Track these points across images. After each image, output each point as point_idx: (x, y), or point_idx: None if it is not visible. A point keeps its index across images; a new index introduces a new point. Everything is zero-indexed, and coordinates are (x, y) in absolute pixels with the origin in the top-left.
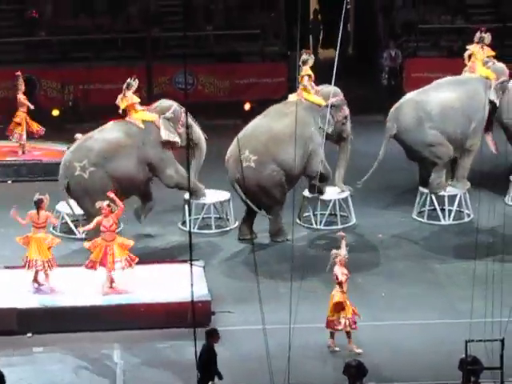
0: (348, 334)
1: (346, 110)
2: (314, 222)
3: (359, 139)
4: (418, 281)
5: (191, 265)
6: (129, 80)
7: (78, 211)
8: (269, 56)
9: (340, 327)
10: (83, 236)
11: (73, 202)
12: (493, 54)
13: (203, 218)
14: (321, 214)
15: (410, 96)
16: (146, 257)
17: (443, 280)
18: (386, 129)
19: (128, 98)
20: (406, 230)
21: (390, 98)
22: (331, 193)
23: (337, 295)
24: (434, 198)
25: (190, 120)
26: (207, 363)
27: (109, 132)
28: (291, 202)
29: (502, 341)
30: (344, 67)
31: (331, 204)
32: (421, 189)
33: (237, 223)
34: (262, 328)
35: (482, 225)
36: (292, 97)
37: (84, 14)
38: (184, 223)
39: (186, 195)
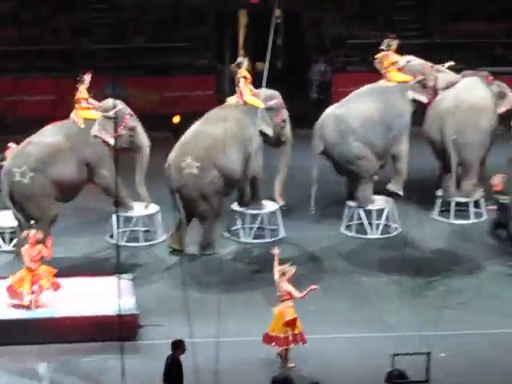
0: (287, 349)
1: (285, 114)
2: (242, 235)
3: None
4: (347, 294)
5: (119, 278)
6: (84, 75)
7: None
8: (198, 69)
9: (290, 344)
10: (10, 248)
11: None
12: (399, 59)
13: (131, 231)
14: (249, 227)
15: (330, 111)
16: (74, 270)
17: (371, 293)
18: (312, 147)
19: (80, 92)
20: (335, 243)
21: (319, 113)
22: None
23: (289, 312)
24: (361, 211)
25: (135, 123)
26: (173, 375)
27: (48, 136)
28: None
29: (428, 354)
30: (273, 80)
31: (259, 218)
32: (348, 202)
33: (165, 236)
34: (190, 341)
35: (410, 239)
36: (230, 100)
37: (12, 25)
38: (112, 236)
39: (112, 208)
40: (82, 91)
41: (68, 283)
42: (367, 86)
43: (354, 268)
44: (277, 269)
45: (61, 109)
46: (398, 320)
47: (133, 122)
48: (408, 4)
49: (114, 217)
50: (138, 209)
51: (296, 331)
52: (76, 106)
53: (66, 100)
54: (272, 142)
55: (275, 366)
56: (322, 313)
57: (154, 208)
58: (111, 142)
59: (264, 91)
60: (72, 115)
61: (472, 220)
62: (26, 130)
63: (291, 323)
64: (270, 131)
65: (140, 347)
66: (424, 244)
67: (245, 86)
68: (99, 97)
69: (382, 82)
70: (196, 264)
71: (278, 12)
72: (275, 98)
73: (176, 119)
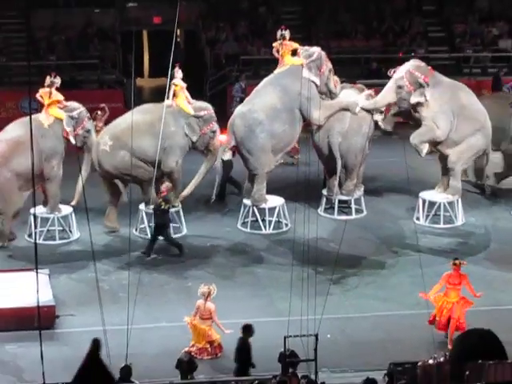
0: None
1: (215, 126)
2: (149, 233)
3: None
4: (243, 284)
5: (37, 273)
6: (50, 78)
7: None
8: (106, 83)
9: (213, 355)
10: None
11: None
12: (296, 46)
13: (48, 230)
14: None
15: (238, 110)
16: None
17: (265, 283)
18: (216, 138)
19: (53, 95)
20: (232, 238)
21: None
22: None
23: (213, 333)
24: (255, 209)
25: (91, 127)
26: (244, 355)
27: (8, 132)
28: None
29: (316, 336)
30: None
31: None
32: (244, 201)
33: (79, 234)
34: (103, 329)
35: (299, 233)
36: (167, 101)
37: None
38: (30, 235)
39: (31, 210)
40: (55, 93)
41: None
42: (264, 80)
43: (248, 260)
44: (202, 290)
45: None
46: (289, 306)
47: (89, 125)
48: (296, 24)
49: (31, 217)
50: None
51: (215, 344)
52: (47, 107)
53: None
54: (200, 150)
55: (179, 351)
56: (221, 301)
57: (68, 209)
58: (72, 140)
59: (198, 102)
60: (42, 113)
61: (354, 216)
62: None
63: (214, 341)
64: (194, 137)
65: (57, 335)
66: (312, 238)
67: (179, 93)
68: (16, 110)
69: (276, 71)
70: (106, 258)
71: (177, 31)
72: (207, 109)
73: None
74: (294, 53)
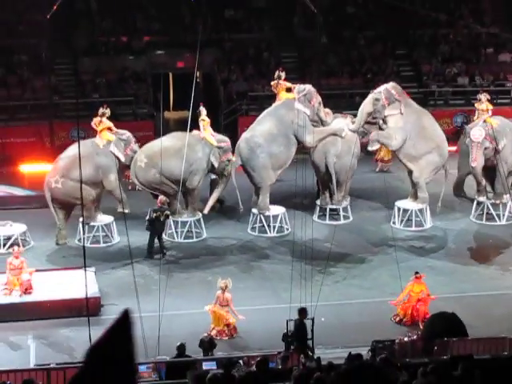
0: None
1: (231, 156)
2: (175, 237)
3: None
4: (253, 277)
5: (85, 270)
6: (102, 109)
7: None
8: (140, 116)
9: (226, 337)
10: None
11: None
12: (290, 85)
13: (94, 236)
14: (181, 230)
15: (243, 135)
16: (53, 265)
17: (270, 276)
18: (231, 163)
19: (104, 123)
20: (243, 240)
21: None
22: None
23: (231, 317)
24: (262, 216)
25: (137, 148)
26: (300, 335)
27: (69, 151)
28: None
29: (313, 319)
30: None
31: (188, 223)
32: (252, 210)
33: (119, 239)
34: (139, 315)
35: (297, 236)
36: (195, 132)
37: (1, 86)
38: (80, 240)
39: (80, 219)
40: (106, 122)
41: (49, 275)
42: (264, 112)
43: (256, 258)
44: (220, 284)
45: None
46: (290, 294)
47: (136, 147)
48: (293, 66)
49: (80, 225)
50: (99, 219)
51: (231, 327)
52: (100, 132)
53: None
54: (217, 173)
55: (202, 334)
56: (235, 291)
57: (109, 218)
58: (122, 158)
59: (219, 136)
60: (96, 137)
61: (342, 221)
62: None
63: (230, 324)
64: (216, 164)
65: (102, 321)
66: (308, 239)
67: (206, 127)
68: (67, 139)
69: (273, 104)
70: (141, 258)
71: (197, 73)
72: (226, 142)
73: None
74: (289, 90)
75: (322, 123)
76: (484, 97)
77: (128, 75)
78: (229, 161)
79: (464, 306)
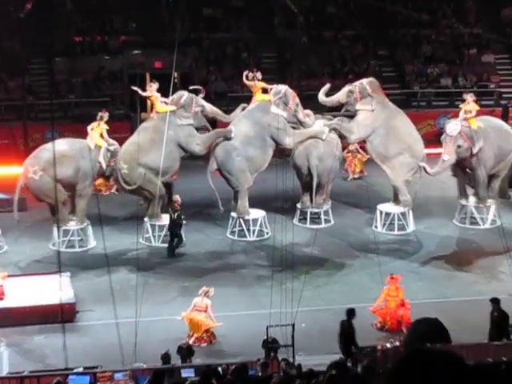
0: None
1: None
2: (152, 241)
3: (190, 179)
4: (232, 282)
5: (60, 275)
6: (101, 113)
7: None
8: (116, 117)
9: (205, 343)
10: None
11: None
12: (264, 85)
13: (69, 240)
14: (158, 234)
15: (217, 141)
16: (26, 270)
17: (250, 281)
18: (208, 167)
19: (102, 128)
20: (221, 246)
21: None
22: (166, 219)
23: (210, 322)
24: (241, 220)
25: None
26: (349, 336)
27: (57, 145)
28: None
29: (293, 325)
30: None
31: (165, 227)
32: (232, 213)
33: (95, 243)
34: (115, 322)
35: (277, 240)
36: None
37: None
38: (54, 244)
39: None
40: (103, 126)
41: (23, 280)
42: (239, 115)
43: (236, 263)
44: (202, 290)
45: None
46: (271, 300)
47: (200, 101)
48: (272, 67)
49: (55, 229)
50: (74, 223)
51: (210, 333)
52: (93, 134)
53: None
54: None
55: (179, 340)
56: (213, 297)
57: (85, 222)
58: (104, 167)
59: (110, 140)
60: (88, 138)
61: (323, 225)
62: None
63: (209, 330)
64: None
65: (77, 327)
66: (288, 244)
67: (96, 131)
68: (41, 141)
69: (249, 106)
70: (118, 263)
71: (175, 74)
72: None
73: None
74: (266, 90)
75: (302, 125)
76: (470, 97)
77: (104, 75)
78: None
79: (447, 311)
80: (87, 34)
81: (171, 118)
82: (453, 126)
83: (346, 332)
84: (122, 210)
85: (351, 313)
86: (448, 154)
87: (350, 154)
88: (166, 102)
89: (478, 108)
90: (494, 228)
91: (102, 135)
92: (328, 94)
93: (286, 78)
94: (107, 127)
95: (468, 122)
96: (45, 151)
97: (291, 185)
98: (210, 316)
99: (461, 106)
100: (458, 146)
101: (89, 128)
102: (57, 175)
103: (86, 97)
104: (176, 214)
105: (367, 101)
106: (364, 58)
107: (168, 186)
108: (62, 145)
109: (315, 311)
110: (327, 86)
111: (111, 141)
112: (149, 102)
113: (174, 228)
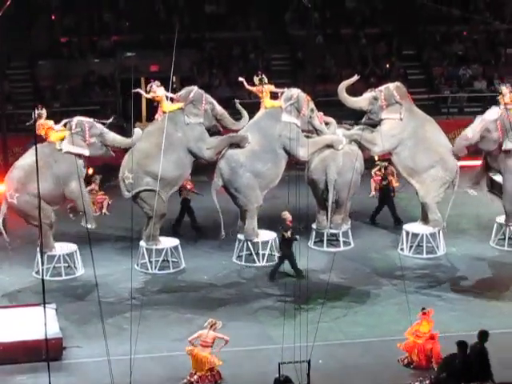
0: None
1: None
2: (149, 268)
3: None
4: (239, 314)
5: (44, 307)
6: (37, 111)
7: None
8: (107, 128)
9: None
10: None
11: None
12: (273, 89)
13: (54, 267)
14: (156, 260)
15: (223, 152)
16: (6, 302)
17: (259, 312)
18: (213, 184)
19: (44, 124)
20: (227, 271)
21: None
22: (164, 242)
23: (215, 360)
24: (249, 243)
25: (99, 127)
26: (482, 361)
27: (25, 159)
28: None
29: (309, 362)
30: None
31: (164, 251)
32: (238, 236)
33: (83, 271)
34: (107, 359)
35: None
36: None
37: None
38: (38, 272)
39: (38, 248)
40: (45, 123)
41: (2, 313)
42: (248, 123)
43: (243, 292)
44: (208, 322)
45: None
46: (283, 334)
47: (96, 129)
48: (286, 69)
49: (39, 255)
50: (60, 248)
51: (215, 371)
52: (47, 135)
53: None
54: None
55: (180, 379)
56: (220, 330)
57: (73, 247)
58: (86, 152)
59: None
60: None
61: (342, 248)
62: None
63: (214, 368)
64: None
65: (64, 366)
66: (303, 269)
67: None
68: (21, 154)
69: (256, 115)
70: (109, 294)
71: (174, 78)
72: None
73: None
74: (276, 95)
75: (317, 133)
76: (507, 88)
77: (94, 80)
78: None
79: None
80: (74, 34)
81: (179, 116)
82: (492, 111)
83: (480, 359)
84: (115, 232)
85: (484, 335)
86: (472, 131)
87: (380, 173)
88: (172, 99)
89: None
90: None
91: (52, 129)
92: (349, 92)
93: (298, 81)
94: (51, 122)
95: (509, 114)
96: (15, 170)
97: (306, 202)
98: (216, 353)
99: (499, 99)
100: (487, 131)
101: (38, 132)
102: (34, 192)
103: (72, 105)
104: (289, 232)
105: (394, 109)
106: (387, 60)
107: (186, 202)
108: (29, 157)
109: (333, 346)
110: (355, 77)
111: (64, 121)
112: (143, 111)
113: (285, 246)
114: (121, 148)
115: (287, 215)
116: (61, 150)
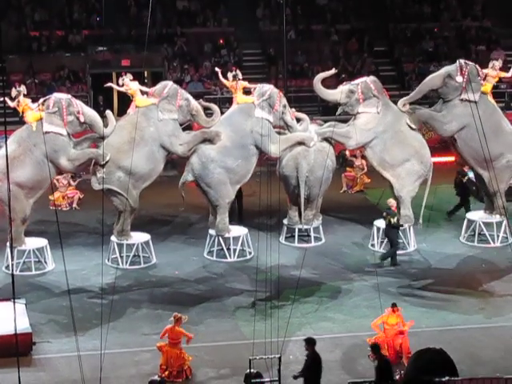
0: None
1: None
2: (120, 263)
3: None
4: (210, 310)
5: (14, 302)
6: (15, 90)
7: None
8: None
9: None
10: None
11: None
12: (246, 85)
13: (24, 262)
14: (127, 255)
15: (195, 148)
16: None
17: (230, 308)
18: (182, 178)
19: (21, 102)
20: (198, 267)
21: None
22: (135, 237)
23: (185, 356)
24: (220, 239)
25: (78, 105)
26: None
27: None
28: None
29: (279, 358)
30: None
31: (135, 247)
32: (209, 231)
33: (54, 265)
34: (77, 354)
35: (261, 261)
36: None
37: None
38: (8, 267)
39: (7, 243)
40: (23, 100)
41: None
42: (220, 118)
43: (214, 288)
44: (173, 316)
45: None
46: (254, 329)
47: (73, 107)
48: (258, 65)
49: (8, 250)
50: (30, 243)
51: (186, 367)
52: (24, 113)
53: None
54: None
55: (150, 374)
56: (191, 325)
57: (43, 242)
58: (63, 131)
59: None
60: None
61: (313, 243)
62: None
63: (185, 364)
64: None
65: (34, 361)
66: (274, 265)
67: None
68: None
69: (228, 110)
70: (80, 289)
71: (145, 73)
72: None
73: None
74: (249, 91)
75: (289, 129)
76: (498, 63)
77: (64, 75)
78: None
79: (452, 340)
80: (44, 28)
81: (153, 111)
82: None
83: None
84: (85, 227)
85: (309, 341)
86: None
87: (352, 169)
88: (147, 93)
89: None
90: (505, 246)
91: (29, 107)
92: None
93: (270, 77)
94: (28, 100)
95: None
96: None
97: (277, 198)
98: (184, 333)
99: (486, 71)
100: (450, 77)
101: (15, 105)
102: (16, 181)
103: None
104: (396, 218)
105: (372, 102)
106: (359, 56)
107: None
108: (9, 145)
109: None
110: (332, 71)
111: (41, 101)
112: (116, 106)
113: (392, 233)
114: (98, 125)
115: (392, 202)
116: (37, 130)
